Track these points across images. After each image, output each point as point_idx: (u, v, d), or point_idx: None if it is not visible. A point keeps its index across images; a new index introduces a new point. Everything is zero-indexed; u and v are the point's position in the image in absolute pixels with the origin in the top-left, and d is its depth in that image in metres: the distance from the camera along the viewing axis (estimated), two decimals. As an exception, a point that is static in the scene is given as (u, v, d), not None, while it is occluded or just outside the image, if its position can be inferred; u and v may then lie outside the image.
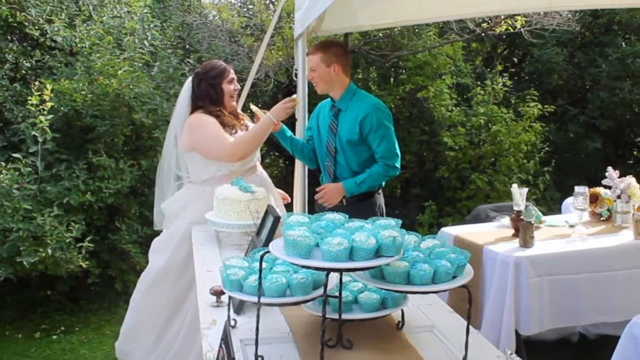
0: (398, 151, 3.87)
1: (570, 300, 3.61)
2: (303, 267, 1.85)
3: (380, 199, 4.03)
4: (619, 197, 4.14)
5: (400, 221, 1.96)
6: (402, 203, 7.60)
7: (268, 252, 1.90)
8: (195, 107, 3.89)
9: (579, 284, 3.61)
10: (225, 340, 1.78)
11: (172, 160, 4.01)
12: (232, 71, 4.01)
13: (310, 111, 4.39)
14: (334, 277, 2.01)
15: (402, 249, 1.89)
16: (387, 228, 1.87)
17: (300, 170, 4.58)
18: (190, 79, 4.02)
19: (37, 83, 5.22)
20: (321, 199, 3.88)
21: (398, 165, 3.87)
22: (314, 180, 4.67)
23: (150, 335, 3.92)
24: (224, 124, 3.84)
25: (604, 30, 8.91)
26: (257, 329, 1.95)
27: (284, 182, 7.47)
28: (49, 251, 4.67)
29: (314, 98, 4.28)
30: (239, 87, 4.06)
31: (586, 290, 3.63)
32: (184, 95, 3.97)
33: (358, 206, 3.78)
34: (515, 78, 8.56)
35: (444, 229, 4.26)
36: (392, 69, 7.90)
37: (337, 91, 3.89)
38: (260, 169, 4.12)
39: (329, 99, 4.04)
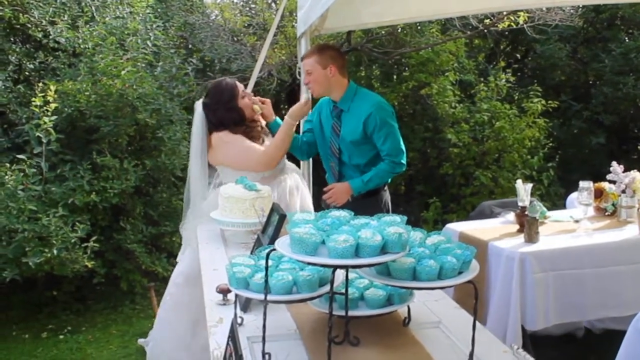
0: (403, 147, 3.87)
1: (575, 295, 3.61)
2: (309, 264, 1.85)
3: (387, 195, 4.04)
4: (623, 191, 4.14)
5: (405, 217, 1.96)
6: (407, 200, 7.60)
7: (274, 249, 1.91)
8: (215, 130, 3.81)
9: (584, 279, 3.61)
10: (233, 337, 1.79)
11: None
12: (239, 84, 3.88)
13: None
14: (340, 274, 2.01)
15: (407, 246, 1.89)
16: (393, 225, 1.88)
17: (305, 168, 4.58)
18: (199, 109, 3.87)
19: (40, 84, 5.24)
20: (329, 199, 3.86)
21: (404, 161, 3.87)
22: (318, 179, 4.68)
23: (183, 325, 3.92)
24: (252, 137, 3.82)
25: (607, 25, 8.89)
26: (264, 326, 1.96)
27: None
28: (55, 251, 4.69)
29: (316, 98, 4.27)
30: (250, 92, 3.97)
31: (592, 285, 3.62)
32: (197, 126, 3.86)
33: (364, 203, 3.79)
34: (518, 74, 8.55)
35: (449, 226, 4.26)
36: (395, 67, 7.89)
37: (336, 93, 3.87)
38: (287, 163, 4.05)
39: (326, 97, 4.03)
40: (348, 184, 3.85)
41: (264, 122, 4.00)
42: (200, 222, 3.75)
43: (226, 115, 3.78)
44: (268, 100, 3.95)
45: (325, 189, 3.93)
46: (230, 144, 3.77)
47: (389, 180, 4.03)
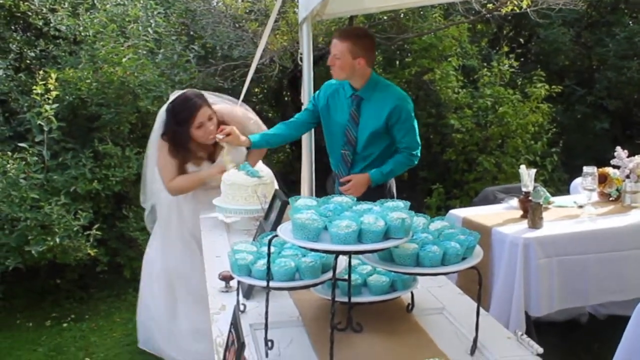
0: (419, 140, 3.87)
1: (579, 280, 3.60)
2: (311, 250, 1.84)
3: (392, 182, 4.01)
4: (627, 176, 4.11)
5: (408, 203, 1.95)
6: (410, 186, 7.57)
7: (276, 235, 1.89)
8: (162, 134, 3.88)
9: (588, 264, 3.60)
10: (235, 324, 1.78)
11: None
12: (202, 113, 3.72)
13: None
14: (342, 260, 2.00)
15: (411, 231, 1.87)
16: (396, 210, 1.86)
17: (307, 155, 4.56)
18: (166, 105, 3.90)
19: (41, 72, 5.23)
20: (348, 191, 3.70)
21: (419, 154, 3.87)
22: (321, 165, 4.66)
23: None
24: (186, 160, 3.83)
25: (611, 9, 8.83)
26: (266, 313, 1.95)
27: (290, 166, 7.47)
28: (57, 240, 4.69)
29: (319, 83, 4.24)
30: (213, 126, 3.75)
31: (595, 270, 3.61)
32: (158, 123, 3.94)
33: (370, 189, 3.77)
34: (522, 59, 8.49)
35: (452, 211, 4.24)
36: (398, 52, 7.85)
37: (358, 81, 3.77)
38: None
39: (338, 80, 3.97)
40: (368, 175, 3.78)
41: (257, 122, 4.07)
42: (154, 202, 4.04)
43: (173, 133, 3.78)
44: (233, 129, 3.71)
45: (342, 179, 3.83)
46: (159, 151, 3.86)
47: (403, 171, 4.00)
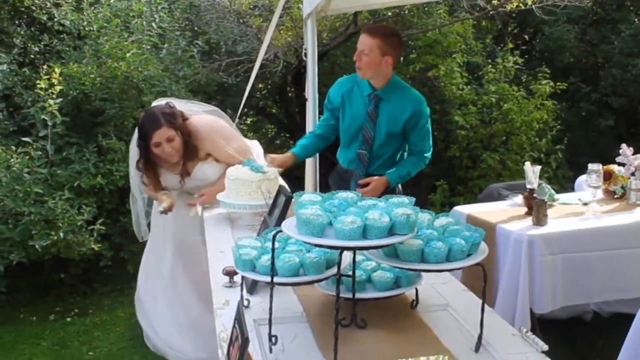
0: (432, 143, 3.89)
1: (583, 277, 3.59)
2: (316, 245, 1.83)
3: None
4: (632, 174, 4.10)
5: (413, 199, 1.94)
6: (414, 182, 7.52)
7: (280, 231, 1.89)
8: None
9: (592, 262, 3.58)
10: (239, 320, 1.77)
11: None
12: (160, 133, 3.61)
13: (321, 93, 4.33)
14: (347, 256, 1.99)
15: (416, 227, 1.87)
16: (401, 206, 1.85)
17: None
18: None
19: (45, 67, 5.23)
20: (367, 194, 3.58)
21: (430, 157, 3.90)
22: (325, 161, 4.66)
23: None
24: (156, 170, 3.83)
25: (616, 6, 8.80)
26: (270, 308, 1.95)
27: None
28: (61, 234, 4.70)
29: (323, 79, 4.24)
30: (172, 148, 3.66)
31: (600, 267, 3.60)
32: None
33: None
34: (526, 56, 8.46)
35: (456, 208, 4.23)
36: (402, 48, 7.83)
37: (380, 81, 3.72)
38: None
39: (348, 76, 3.93)
40: (385, 178, 3.75)
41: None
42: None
43: (138, 145, 3.77)
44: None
45: (361, 182, 3.77)
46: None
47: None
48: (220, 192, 3.45)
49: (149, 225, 4.30)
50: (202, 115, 3.92)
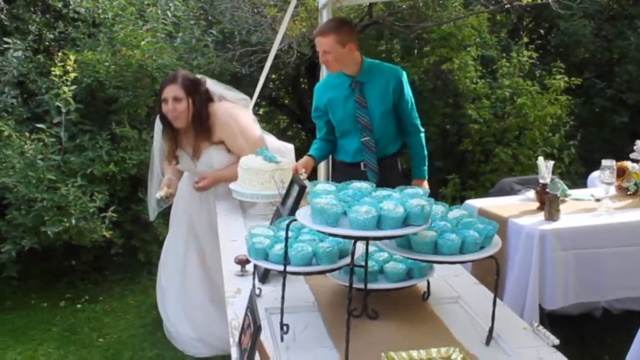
0: None
1: (595, 274, 3.56)
2: (330, 235, 1.83)
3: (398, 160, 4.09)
4: (646, 171, 4.07)
5: (428, 190, 1.94)
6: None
7: (295, 220, 1.89)
8: None
9: (604, 258, 3.56)
10: (252, 308, 1.78)
11: None
12: (169, 90, 3.74)
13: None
14: (359, 247, 2.00)
15: (430, 219, 1.86)
16: (415, 197, 1.85)
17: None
18: None
19: (60, 54, 5.25)
20: None
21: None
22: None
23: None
24: (170, 151, 3.94)
25: (633, 2, 8.71)
26: (282, 297, 1.95)
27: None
28: (73, 221, 4.72)
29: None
30: (174, 108, 3.73)
31: (612, 264, 3.57)
32: None
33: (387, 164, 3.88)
34: (541, 51, 8.41)
35: (468, 202, 4.21)
36: (417, 41, 7.79)
37: (352, 68, 3.79)
38: None
39: (322, 81, 3.99)
40: (422, 181, 3.91)
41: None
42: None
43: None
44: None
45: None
46: None
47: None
48: (225, 181, 3.48)
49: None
50: (228, 104, 3.94)
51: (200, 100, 3.76)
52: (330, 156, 4.38)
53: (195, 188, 3.84)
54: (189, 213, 4.07)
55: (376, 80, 3.79)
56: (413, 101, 3.91)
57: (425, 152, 3.97)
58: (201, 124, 3.75)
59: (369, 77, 3.79)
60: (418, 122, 3.94)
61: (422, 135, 3.97)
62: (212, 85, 3.94)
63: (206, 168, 3.86)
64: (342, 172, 4.00)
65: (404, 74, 3.85)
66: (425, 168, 3.94)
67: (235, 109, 3.92)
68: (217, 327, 3.88)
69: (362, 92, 3.79)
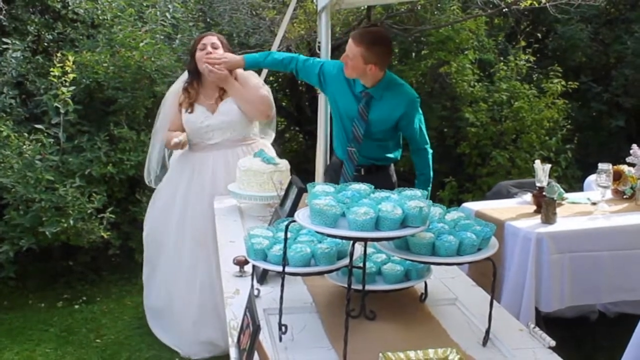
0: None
1: (591, 277, 3.59)
2: (329, 236, 1.85)
3: (392, 170, 4.00)
4: (643, 174, 4.09)
5: (426, 192, 1.96)
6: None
7: (294, 221, 1.90)
8: None
9: (600, 262, 3.58)
10: (250, 308, 1.79)
11: None
12: (209, 38, 4.08)
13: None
14: (358, 248, 2.01)
15: (428, 220, 1.88)
16: (414, 199, 1.87)
17: (322, 145, 4.56)
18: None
19: (59, 55, 5.25)
20: None
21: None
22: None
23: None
24: (187, 99, 4.10)
25: (630, 6, 8.74)
26: (281, 297, 1.97)
27: (304, 156, 7.46)
28: (71, 222, 4.73)
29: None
30: (212, 53, 4.01)
31: (608, 267, 3.59)
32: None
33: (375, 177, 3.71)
34: (538, 54, 8.43)
35: (465, 205, 4.23)
36: (414, 44, 7.82)
37: (369, 82, 3.63)
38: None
39: (338, 61, 3.80)
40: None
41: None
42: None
43: (189, 62, 4.16)
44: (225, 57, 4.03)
45: None
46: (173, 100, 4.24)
47: (399, 156, 4.00)
48: (233, 184, 3.49)
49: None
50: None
51: (229, 52, 4.09)
52: (328, 155, 4.40)
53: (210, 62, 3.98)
54: (175, 183, 4.21)
55: (387, 99, 3.64)
56: (424, 126, 3.78)
57: (432, 174, 3.86)
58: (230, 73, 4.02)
59: (382, 93, 3.64)
60: (427, 145, 3.82)
61: (430, 156, 3.85)
62: None
63: (222, 117, 4.03)
64: (335, 169, 3.95)
65: (417, 102, 3.70)
66: (429, 189, 3.79)
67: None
68: (215, 327, 3.91)
69: (368, 105, 3.65)
